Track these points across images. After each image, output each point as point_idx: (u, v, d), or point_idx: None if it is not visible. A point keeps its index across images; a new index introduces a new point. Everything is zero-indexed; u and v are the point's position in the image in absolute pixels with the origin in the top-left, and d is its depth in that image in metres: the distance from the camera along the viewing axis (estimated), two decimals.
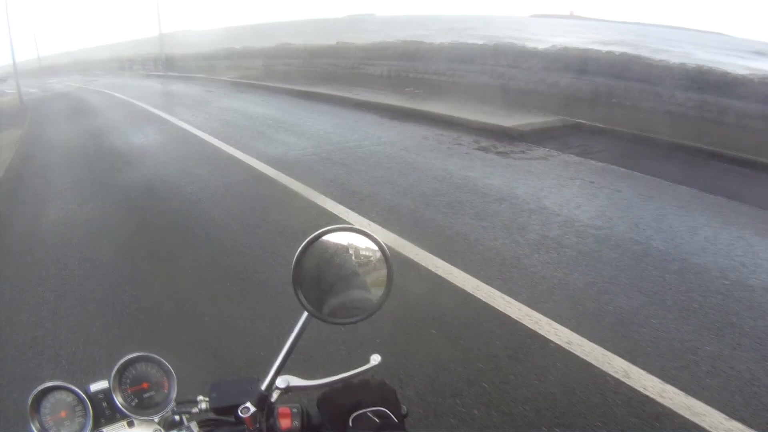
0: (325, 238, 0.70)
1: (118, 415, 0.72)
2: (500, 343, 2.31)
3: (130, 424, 0.73)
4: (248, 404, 0.70)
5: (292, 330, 0.74)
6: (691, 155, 5.83)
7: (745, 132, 6.71)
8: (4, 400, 2.06)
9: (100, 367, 2.18)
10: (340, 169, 5.29)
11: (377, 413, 0.66)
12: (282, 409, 0.72)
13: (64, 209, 4.60)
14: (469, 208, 4.09)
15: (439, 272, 3.00)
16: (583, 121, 7.15)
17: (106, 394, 0.72)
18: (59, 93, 20.26)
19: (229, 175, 5.33)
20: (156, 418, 0.73)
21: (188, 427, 0.73)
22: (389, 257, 0.70)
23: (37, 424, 0.69)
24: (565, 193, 4.49)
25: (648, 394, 1.98)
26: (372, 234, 0.71)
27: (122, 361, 0.74)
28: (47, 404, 0.70)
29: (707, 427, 1.83)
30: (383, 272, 0.71)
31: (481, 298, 2.70)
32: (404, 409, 0.70)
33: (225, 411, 0.73)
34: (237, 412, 0.69)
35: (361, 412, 0.66)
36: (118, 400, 0.72)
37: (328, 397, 0.71)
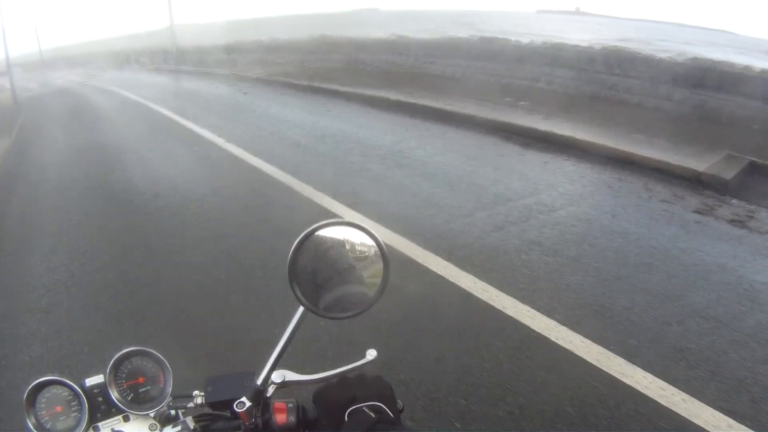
0: (321, 232, 0.69)
1: (113, 410, 0.73)
2: None
3: (126, 419, 0.73)
4: (244, 399, 0.69)
5: (287, 325, 0.73)
6: None
7: None
8: None
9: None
10: (575, 272, 2.92)
11: (373, 408, 0.66)
12: (278, 403, 0.72)
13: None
14: None
15: None
16: (756, 160, 5.07)
17: (102, 388, 0.73)
18: (59, 89, 18.05)
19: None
20: (152, 413, 0.73)
21: (184, 422, 0.73)
22: (385, 252, 0.70)
23: (33, 419, 0.69)
24: None
25: None
26: (368, 228, 0.70)
27: (118, 355, 0.74)
28: (43, 399, 0.71)
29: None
30: (379, 267, 0.70)
31: None
32: (400, 404, 0.71)
33: (221, 405, 0.73)
34: (233, 407, 0.69)
35: (356, 406, 0.66)
36: (114, 394, 0.72)
37: (323, 391, 0.71)
